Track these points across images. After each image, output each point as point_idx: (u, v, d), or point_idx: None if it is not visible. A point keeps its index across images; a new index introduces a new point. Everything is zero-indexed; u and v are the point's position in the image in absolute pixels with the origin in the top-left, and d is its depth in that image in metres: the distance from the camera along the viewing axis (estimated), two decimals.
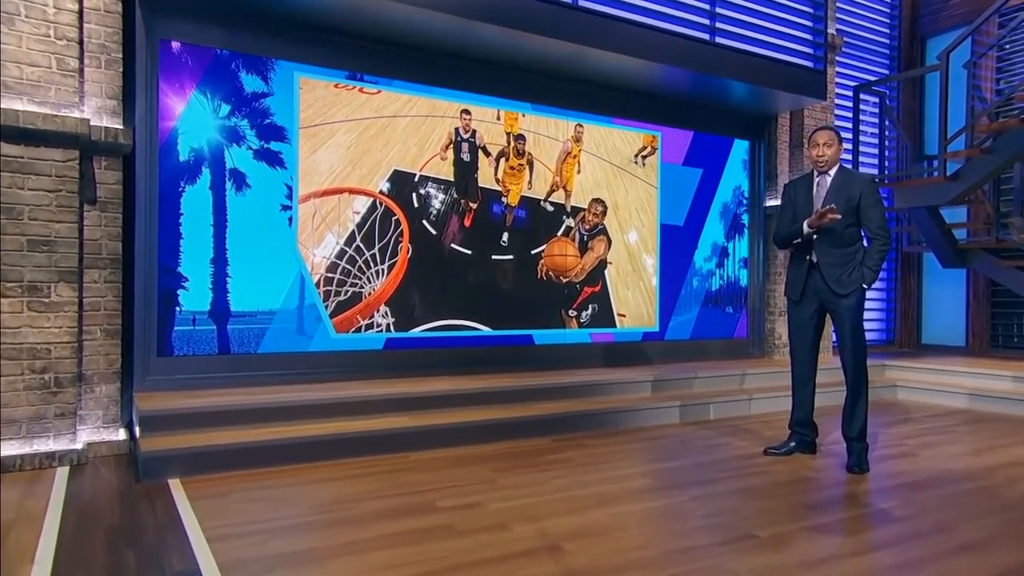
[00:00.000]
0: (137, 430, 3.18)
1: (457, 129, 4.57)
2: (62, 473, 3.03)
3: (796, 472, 3.23)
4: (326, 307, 4.13)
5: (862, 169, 6.24)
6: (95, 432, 3.30)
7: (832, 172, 3.32)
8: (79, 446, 3.19)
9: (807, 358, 3.44)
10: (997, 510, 2.71)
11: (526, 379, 4.25)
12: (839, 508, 2.79)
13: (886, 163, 6.25)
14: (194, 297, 3.76)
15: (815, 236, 3.27)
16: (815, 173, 3.37)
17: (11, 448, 3.04)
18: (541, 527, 2.43)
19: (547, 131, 4.91)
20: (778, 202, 5.69)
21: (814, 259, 3.30)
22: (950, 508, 2.74)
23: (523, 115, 4.81)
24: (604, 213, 5.15)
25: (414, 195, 4.42)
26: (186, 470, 2.97)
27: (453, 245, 4.56)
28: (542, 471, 3.16)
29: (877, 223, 3.20)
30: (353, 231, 4.22)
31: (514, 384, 4.09)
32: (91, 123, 3.26)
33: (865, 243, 3.30)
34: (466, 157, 4.61)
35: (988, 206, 5.81)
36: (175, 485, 2.87)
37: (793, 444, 3.51)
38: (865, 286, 3.22)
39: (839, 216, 3.15)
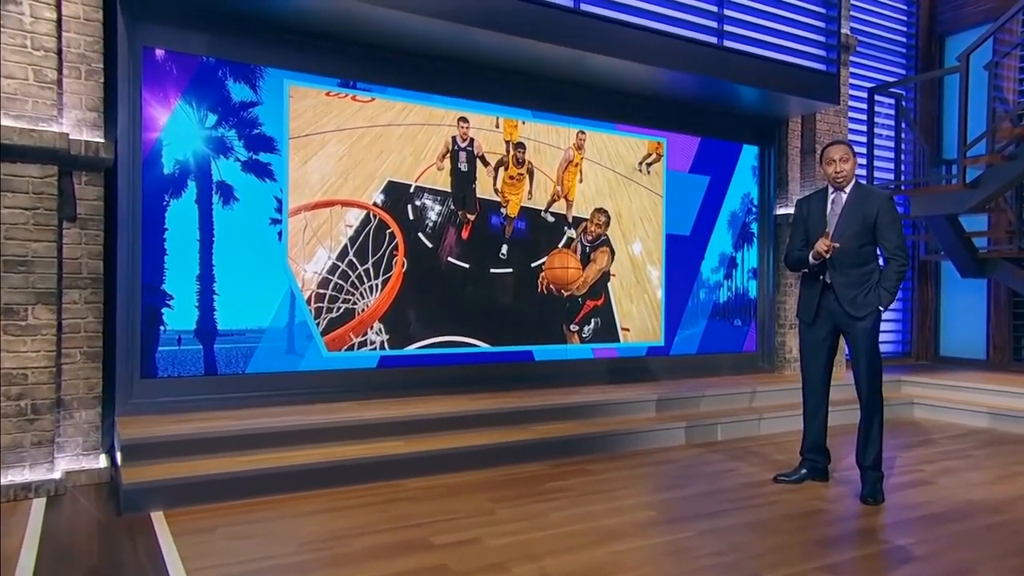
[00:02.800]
0: (119, 457, 3.05)
1: (454, 137, 4.41)
2: (39, 505, 2.91)
3: (808, 503, 3.07)
4: (317, 324, 3.99)
5: (877, 175, 6.04)
6: (74, 460, 3.18)
7: (848, 188, 3.16)
8: (57, 475, 3.07)
9: (820, 382, 3.29)
10: (1021, 549, 2.54)
11: (526, 399, 4.10)
12: (853, 545, 2.65)
13: (902, 167, 6.04)
14: (179, 316, 3.63)
15: (828, 257, 3.12)
16: (830, 189, 3.21)
17: None
18: (541, 567, 2.31)
19: (548, 139, 4.74)
20: (789, 210, 5.51)
21: (828, 280, 3.15)
22: (971, 546, 2.58)
23: (523, 122, 4.64)
24: (607, 223, 4.97)
25: (409, 207, 4.27)
26: (170, 502, 2.85)
27: (450, 258, 4.40)
28: (542, 501, 3.02)
29: (895, 243, 3.06)
30: (346, 245, 4.07)
31: (513, 405, 3.94)
32: (70, 137, 3.13)
33: (881, 263, 3.15)
34: (464, 167, 4.45)
35: (1010, 213, 5.58)
36: (158, 519, 2.75)
37: (804, 471, 3.36)
38: (882, 308, 3.07)
39: (837, 245, 3.03)
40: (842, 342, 3.30)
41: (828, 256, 3.07)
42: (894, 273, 3.05)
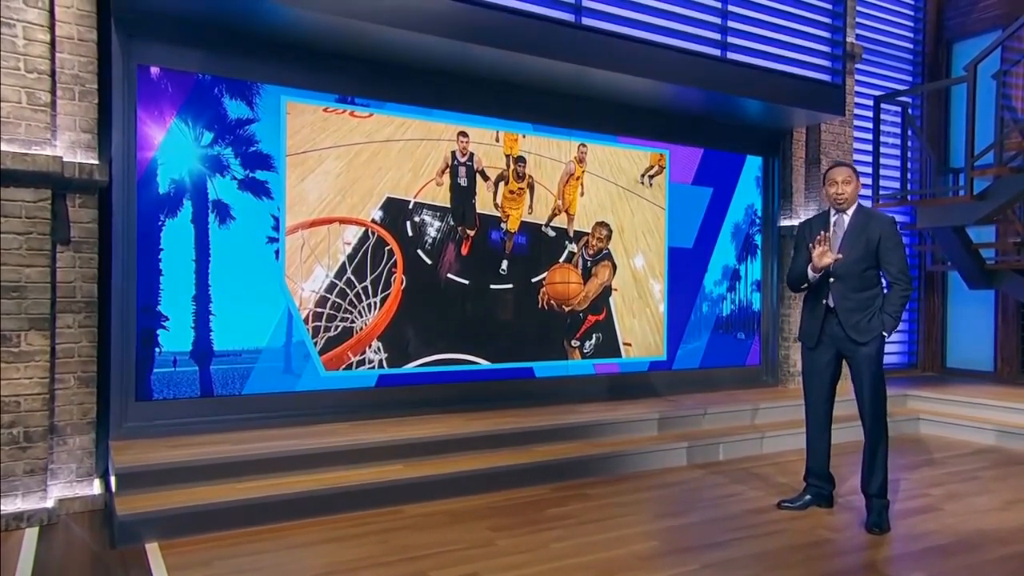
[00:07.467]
0: (113, 483, 3.01)
1: (454, 152, 4.36)
2: (31, 536, 2.87)
3: (813, 532, 3.01)
4: (315, 344, 3.94)
5: (883, 184, 5.96)
6: (68, 487, 3.14)
7: (850, 211, 3.11)
8: (50, 504, 3.04)
9: (823, 408, 3.24)
10: None
11: (526, 419, 4.04)
12: None
13: (908, 176, 5.96)
14: (175, 337, 3.59)
15: (831, 280, 3.07)
16: (832, 212, 3.17)
17: None
18: None
19: (548, 152, 4.68)
20: (792, 221, 5.44)
21: (831, 304, 3.09)
22: None
23: (523, 136, 4.58)
24: (609, 237, 4.92)
25: (408, 223, 4.22)
26: (165, 533, 2.81)
27: (450, 275, 4.35)
28: (543, 530, 2.97)
29: (898, 267, 3.01)
30: (344, 263, 4.02)
31: (513, 426, 3.89)
32: (64, 160, 3.09)
33: (884, 287, 3.10)
34: (463, 182, 4.39)
35: (1018, 225, 5.50)
36: (152, 550, 2.71)
37: (808, 497, 3.30)
38: (885, 334, 3.01)
39: (840, 257, 2.99)
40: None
41: (831, 267, 3.01)
42: (898, 298, 3.00)
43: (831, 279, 3.07)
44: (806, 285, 3.15)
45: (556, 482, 3.61)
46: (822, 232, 3.05)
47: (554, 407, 4.42)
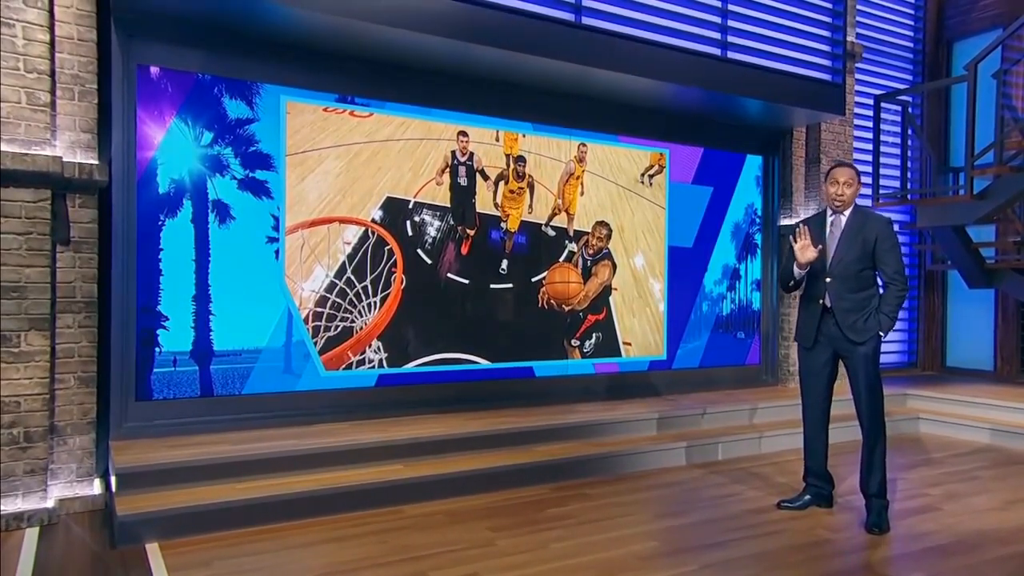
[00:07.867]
0: (113, 483, 3.02)
1: (454, 152, 4.35)
2: (31, 536, 2.87)
3: (812, 532, 3.02)
4: (315, 343, 3.94)
5: (883, 183, 5.96)
6: (68, 487, 3.14)
7: (847, 212, 3.12)
8: (50, 504, 3.04)
9: (820, 408, 3.25)
10: None
11: (526, 419, 4.05)
12: None
13: (908, 175, 5.96)
14: (175, 337, 3.59)
15: (827, 280, 3.08)
16: (828, 212, 3.18)
17: None
18: None
19: (549, 151, 4.68)
20: (792, 221, 5.44)
21: (827, 303, 3.10)
22: None
23: (523, 135, 4.58)
24: (609, 237, 4.91)
25: (408, 223, 4.22)
26: (165, 533, 2.81)
27: (449, 275, 4.35)
28: (542, 530, 2.97)
29: (894, 268, 3.03)
30: (344, 262, 4.02)
31: (513, 425, 3.90)
32: (64, 160, 3.09)
33: (881, 288, 3.12)
34: (463, 181, 4.39)
35: (1018, 224, 5.50)
36: (153, 551, 2.72)
37: (808, 497, 3.31)
38: (882, 334, 3.03)
39: (821, 247, 3.03)
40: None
41: (829, 267, 3.03)
42: (894, 298, 3.02)
43: (828, 279, 3.08)
44: (793, 283, 3.17)
45: (555, 482, 3.61)
46: (800, 226, 3.06)
47: (554, 407, 4.42)
